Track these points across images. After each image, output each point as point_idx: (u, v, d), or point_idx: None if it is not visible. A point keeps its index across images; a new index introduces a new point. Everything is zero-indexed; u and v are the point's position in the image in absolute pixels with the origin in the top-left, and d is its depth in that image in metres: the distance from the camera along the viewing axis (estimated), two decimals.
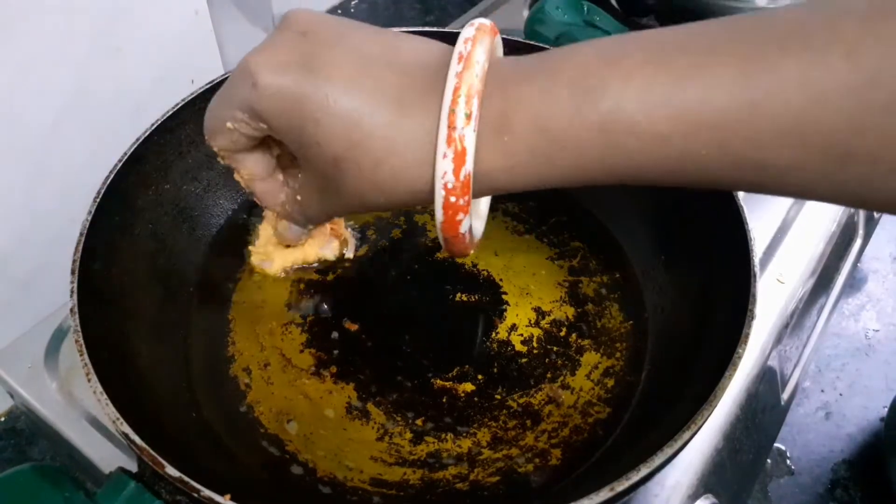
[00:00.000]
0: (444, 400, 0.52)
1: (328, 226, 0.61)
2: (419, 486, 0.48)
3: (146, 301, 0.54)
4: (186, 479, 0.37)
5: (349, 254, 0.61)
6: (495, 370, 0.54)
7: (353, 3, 1.06)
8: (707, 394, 0.41)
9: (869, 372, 1.33)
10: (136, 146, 0.54)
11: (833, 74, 0.27)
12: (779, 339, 0.63)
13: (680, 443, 0.39)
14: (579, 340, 0.56)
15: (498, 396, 0.52)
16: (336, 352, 0.55)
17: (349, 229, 0.62)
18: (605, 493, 0.37)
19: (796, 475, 1.20)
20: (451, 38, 0.65)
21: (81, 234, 0.48)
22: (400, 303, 0.58)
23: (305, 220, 0.44)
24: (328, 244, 0.61)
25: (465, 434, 0.50)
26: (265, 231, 0.61)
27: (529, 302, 0.58)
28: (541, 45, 0.63)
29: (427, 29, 0.65)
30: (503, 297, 0.58)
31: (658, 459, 0.38)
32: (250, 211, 0.63)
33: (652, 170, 0.32)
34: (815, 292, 0.72)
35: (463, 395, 0.52)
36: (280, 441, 0.50)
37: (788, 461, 1.21)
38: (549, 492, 0.48)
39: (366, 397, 0.52)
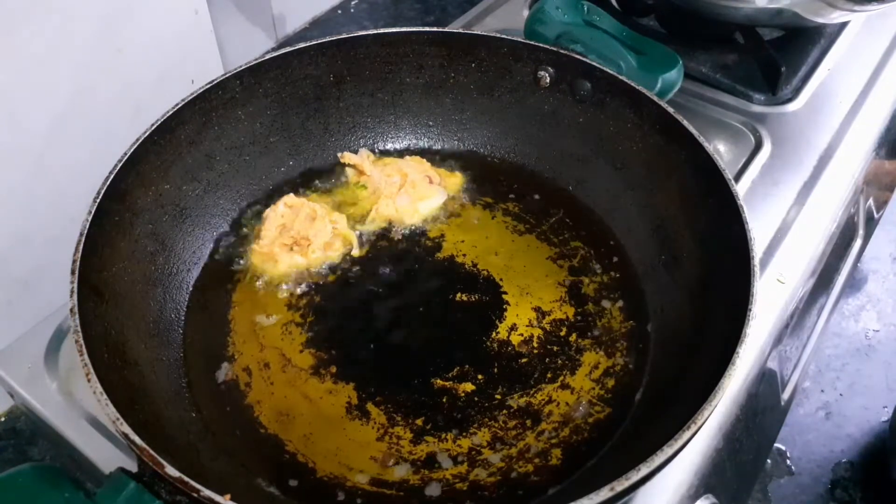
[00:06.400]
0: (444, 400, 0.52)
1: (331, 227, 0.61)
2: (419, 485, 0.48)
3: (146, 301, 0.54)
4: (186, 479, 0.37)
5: (353, 253, 0.61)
6: (495, 370, 0.54)
7: (352, 2, 1.06)
8: (707, 394, 0.41)
9: (869, 372, 1.33)
10: (135, 146, 0.54)
11: None
12: (779, 340, 0.63)
13: (680, 443, 0.39)
14: (579, 340, 0.56)
15: (498, 396, 0.52)
16: (336, 352, 0.55)
17: (352, 230, 0.62)
18: (605, 493, 0.37)
19: (796, 475, 1.20)
20: (451, 38, 0.65)
21: (81, 234, 0.48)
22: (400, 303, 0.58)
23: None
24: (331, 245, 0.61)
25: (465, 434, 0.50)
26: (268, 231, 0.61)
27: (529, 302, 0.58)
28: (542, 45, 0.63)
29: (427, 29, 0.65)
30: (503, 296, 0.58)
31: (658, 459, 0.38)
32: (252, 212, 0.64)
33: None
34: (816, 292, 0.72)
35: (463, 395, 0.52)
36: (280, 441, 0.50)
37: (788, 461, 1.21)
38: (548, 491, 0.48)
39: (366, 397, 0.52)
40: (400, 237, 0.63)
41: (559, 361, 0.54)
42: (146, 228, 0.56)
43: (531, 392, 0.52)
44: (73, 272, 0.46)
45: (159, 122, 0.56)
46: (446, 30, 0.67)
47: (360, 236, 0.62)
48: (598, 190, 0.64)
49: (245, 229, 0.62)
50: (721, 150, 0.73)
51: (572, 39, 0.68)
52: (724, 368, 0.42)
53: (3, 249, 0.62)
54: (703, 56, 0.80)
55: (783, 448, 1.22)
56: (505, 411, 0.51)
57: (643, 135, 0.60)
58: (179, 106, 0.57)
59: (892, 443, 1.15)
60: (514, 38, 0.63)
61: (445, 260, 0.61)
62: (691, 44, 0.81)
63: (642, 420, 0.50)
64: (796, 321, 0.67)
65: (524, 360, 0.54)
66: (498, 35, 0.64)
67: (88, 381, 0.41)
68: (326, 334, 0.56)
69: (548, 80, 0.64)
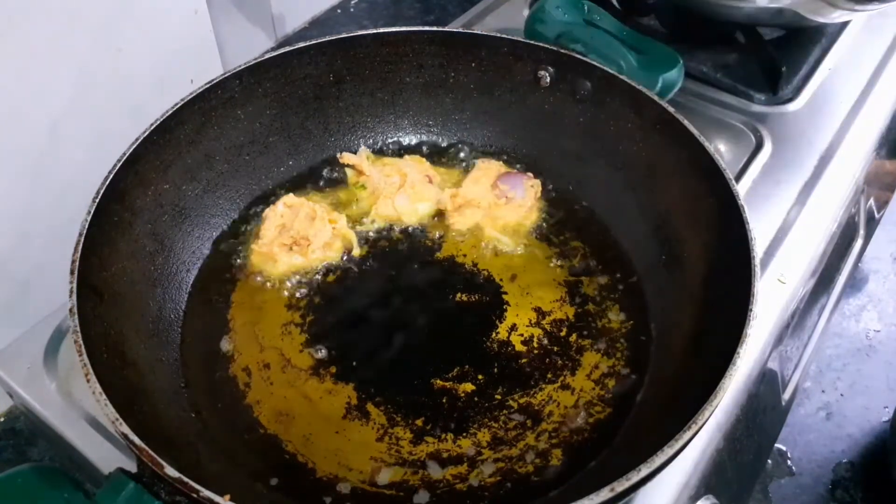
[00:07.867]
0: (444, 400, 0.52)
1: (330, 227, 0.61)
2: (419, 485, 0.48)
3: (146, 301, 0.54)
4: (186, 479, 0.37)
5: (353, 253, 0.61)
6: (495, 370, 0.54)
7: (352, 2, 1.06)
8: (707, 394, 0.41)
9: (870, 372, 1.33)
10: (135, 146, 0.54)
11: None
12: (779, 340, 0.63)
13: (680, 443, 0.39)
14: (579, 340, 0.56)
15: (498, 396, 0.52)
16: (336, 352, 0.55)
17: (352, 230, 0.62)
18: (606, 493, 0.37)
19: (797, 476, 1.20)
20: (451, 38, 0.65)
21: (81, 234, 0.48)
22: (400, 303, 0.58)
23: None
24: (330, 245, 0.61)
25: (465, 434, 0.50)
26: (267, 231, 0.61)
27: (529, 302, 0.58)
28: (542, 44, 0.63)
29: (427, 28, 0.65)
30: (503, 297, 0.58)
31: (658, 459, 0.38)
32: (252, 212, 0.63)
33: None
34: (816, 292, 0.72)
35: (463, 395, 0.52)
36: (280, 441, 0.50)
37: (789, 462, 1.21)
38: (549, 492, 0.47)
39: (366, 397, 0.52)
40: (400, 237, 0.63)
41: (559, 362, 0.54)
42: (146, 228, 0.55)
43: (531, 392, 0.52)
44: (72, 272, 0.46)
45: (159, 122, 0.56)
46: (446, 29, 0.67)
47: (359, 236, 0.62)
48: (598, 190, 0.64)
49: (245, 229, 0.62)
50: (722, 150, 0.73)
51: (573, 39, 0.68)
52: (724, 368, 0.42)
53: (3, 249, 0.62)
54: (704, 55, 0.80)
55: (784, 448, 1.22)
56: (505, 411, 0.51)
57: (644, 134, 0.60)
58: (179, 106, 0.57)
59: (892, 443, 1.15)
60: (515, 38, 0.63)
61: (445, 260, 0.61)
62: (692, 43, 0.80)
63: (643, 420, 0.50)
64: (797, 321, 0.67)
65: (524, 360, 0.54)
66: (498, 35, 0.64)
67: (88, 381, 0.41)
68: (326, 335, 0.56)
69: (548, 79, 0.64)
